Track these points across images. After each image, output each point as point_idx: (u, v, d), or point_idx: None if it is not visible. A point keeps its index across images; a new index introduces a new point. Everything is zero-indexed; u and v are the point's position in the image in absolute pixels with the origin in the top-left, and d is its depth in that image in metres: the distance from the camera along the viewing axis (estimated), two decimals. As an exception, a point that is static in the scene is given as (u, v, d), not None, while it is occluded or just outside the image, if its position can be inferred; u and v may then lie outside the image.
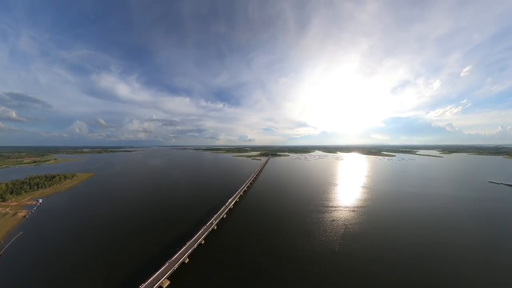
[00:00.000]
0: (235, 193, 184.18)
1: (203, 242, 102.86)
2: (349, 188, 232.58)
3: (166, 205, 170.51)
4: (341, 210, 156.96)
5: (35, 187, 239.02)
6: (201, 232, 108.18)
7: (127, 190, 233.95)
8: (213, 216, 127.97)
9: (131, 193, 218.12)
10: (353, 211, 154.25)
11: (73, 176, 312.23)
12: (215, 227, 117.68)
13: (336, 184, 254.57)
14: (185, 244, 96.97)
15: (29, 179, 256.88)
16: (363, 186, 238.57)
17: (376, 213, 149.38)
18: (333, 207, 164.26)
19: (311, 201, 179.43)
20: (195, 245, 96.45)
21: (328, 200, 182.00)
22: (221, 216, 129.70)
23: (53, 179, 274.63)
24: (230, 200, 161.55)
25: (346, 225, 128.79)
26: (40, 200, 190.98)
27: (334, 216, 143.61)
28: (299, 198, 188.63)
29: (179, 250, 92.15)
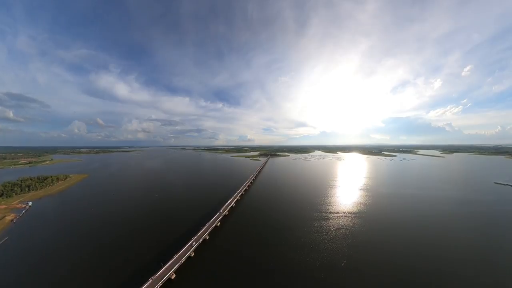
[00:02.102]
0: (230, 197, 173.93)
1: (192, 254, 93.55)
2: (353, 191, 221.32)
3: (157, 210, 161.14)
4: (346, 216, 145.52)
5: (26, 189, 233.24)
6: (191, 243, 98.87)
7: (120, 192, 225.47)
8: (205, 225, 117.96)
9: (123, 196, 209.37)
10: (359, 217, 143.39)
11: (66, 178, 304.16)
12: (207, 237, 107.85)
13: (339, 187, 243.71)
14: (172, 257, 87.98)
15: (20, 181, 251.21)
16: (367, 189, 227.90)
17: (383, 220, 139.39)
18: (337, 213, 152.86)
19: (313, 206, 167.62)
20: (183, 259, 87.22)
21: (331, 205, 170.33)
22: (214, 224, 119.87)
23: (45, 181, 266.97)
24: (224, 206, 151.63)
25: (353, 234, 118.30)
26: (30, 203, 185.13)
27: (339, 224, 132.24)
28: (300, 204, 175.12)
29: (164, 265, 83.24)
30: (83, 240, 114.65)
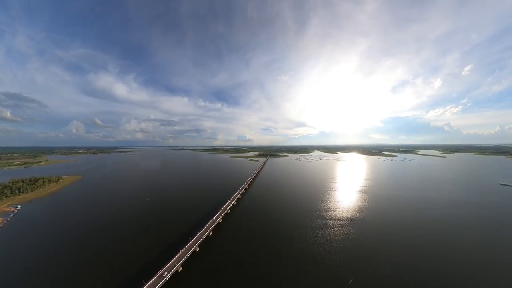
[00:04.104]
0: (225, 203, 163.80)
1: (180, 269, 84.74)
2: (356, 195, 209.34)
3: (146, 216, 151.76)
4: (351, 224, 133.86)
5: (17, 191, 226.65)
6: (180, 255, 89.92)
7: (111, 195, 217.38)
8: (195, 234, 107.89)
9: (114, 199, 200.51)
10: (364, 225, 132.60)
11: (58, 179, 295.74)
12: (197, 249, 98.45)
13: (341, 190, 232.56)
14: (156, 273, 79.09)
15: (11, 183, 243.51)
16: (371, 192, 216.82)
17: (390, 227, 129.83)
18: (341, 220, 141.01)
19: (315, 213, 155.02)
20: (169, 275, 78.29)
21: (335, 211, 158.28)
22: (205, 234, 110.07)
23: (36, 183, 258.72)
24: (218, 212, 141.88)
25: (359, 245, 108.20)
26: (19, 207, 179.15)
27: (343, 233, 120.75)
28: (301, 210, 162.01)
29: (146, 282, 74.21)
30: (71, 248, 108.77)
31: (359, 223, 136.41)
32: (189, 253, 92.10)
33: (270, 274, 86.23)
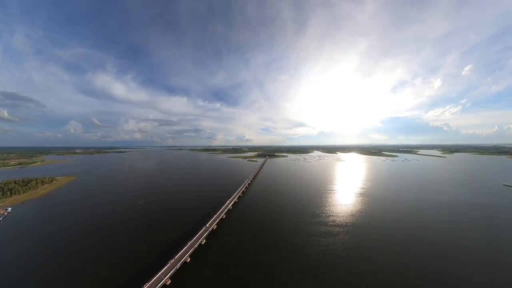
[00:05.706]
0: (221, 207, 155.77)
1: (168, 282, 77.93)
2: (359, 198, 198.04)
3: (138, 221, 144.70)
4: (356, 231, 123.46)
5: (9, 193, 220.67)
6: (169, 266, 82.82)
7: (106, 196, 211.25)
8: (187, 243, 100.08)
9: (108, 201, 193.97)
10: (370, 232, 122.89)
11: (52, 181, 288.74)
12: (188, 259, 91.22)
13: (343, 192, 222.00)
14: (142, 286, 72.24)
15: (4, 184, 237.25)
16: (374, 195, 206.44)
17: (398, 233, 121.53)
18: (344, 226, 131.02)
19: (317, 218, 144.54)
20: (155, 290, 71.95)
21: (337, 216, 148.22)
22: (198, 242, 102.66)
23: (29, 184, 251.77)
24: (213, 218, 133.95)
25: (367, 253, 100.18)
26: (9, 209, 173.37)
27: (349, 242, 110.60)
28: (301, 215, 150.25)
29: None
30: (57, 253, 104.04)
31: (365, 230, 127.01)
32: (179, 264, 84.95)
33: (268, 285, 79.61)
